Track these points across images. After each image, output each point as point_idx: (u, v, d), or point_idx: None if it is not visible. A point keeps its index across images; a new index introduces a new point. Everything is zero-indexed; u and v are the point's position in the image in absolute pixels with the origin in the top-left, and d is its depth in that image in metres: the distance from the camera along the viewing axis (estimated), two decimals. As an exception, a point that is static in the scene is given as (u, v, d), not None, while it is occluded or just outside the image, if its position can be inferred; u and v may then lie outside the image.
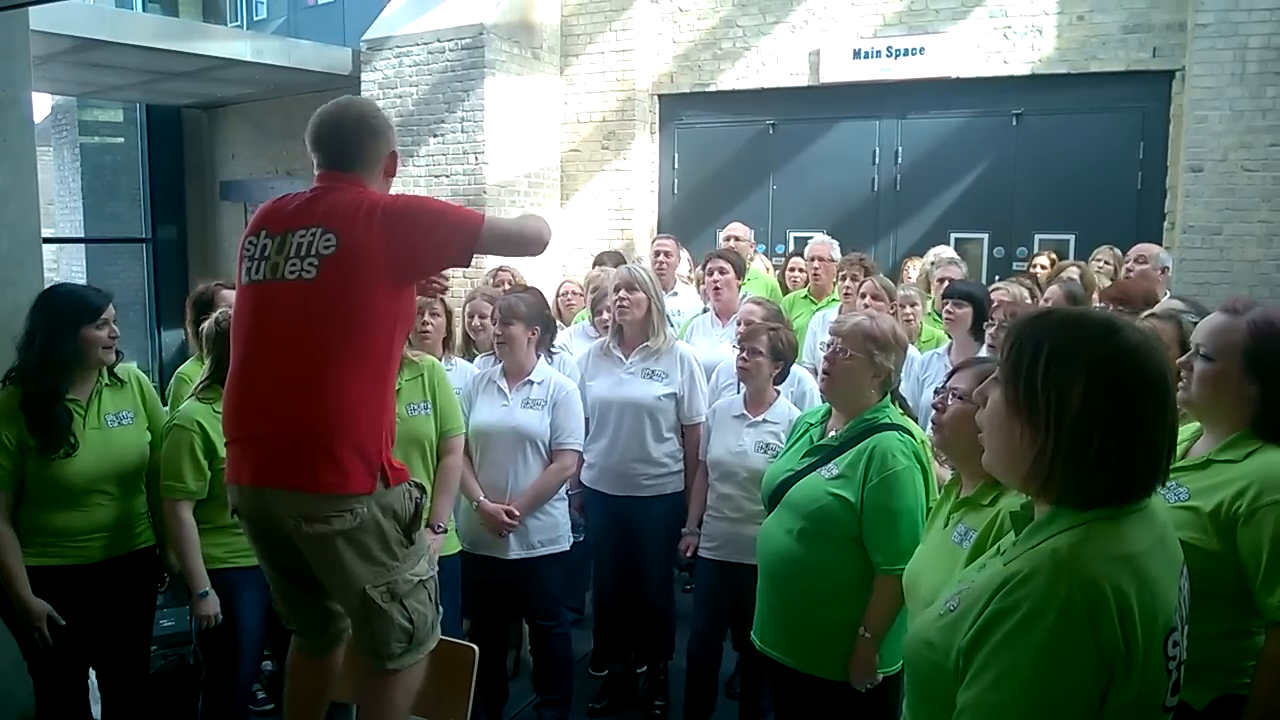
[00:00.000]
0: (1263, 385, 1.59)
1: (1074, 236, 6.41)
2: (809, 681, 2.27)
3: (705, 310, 4.22)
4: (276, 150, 9.19)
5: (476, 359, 3.47)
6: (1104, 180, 6.41)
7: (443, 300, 3.27)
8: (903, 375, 2.67)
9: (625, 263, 4.20)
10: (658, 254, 4.54)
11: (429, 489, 2.68)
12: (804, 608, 2.27)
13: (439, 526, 2.71)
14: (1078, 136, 6.50)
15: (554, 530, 3.06)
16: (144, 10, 10.18)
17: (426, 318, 3.16)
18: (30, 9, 3.07)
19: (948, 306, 3.57)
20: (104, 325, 2.48)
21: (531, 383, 3.03)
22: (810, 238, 5.30)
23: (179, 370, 3.27)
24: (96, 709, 2.73)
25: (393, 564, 1.85)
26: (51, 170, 10.33)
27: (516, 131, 7.30)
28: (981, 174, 6.82)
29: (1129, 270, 3.98)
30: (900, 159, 7.04)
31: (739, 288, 4.16)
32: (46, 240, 4.90)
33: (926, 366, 3.55)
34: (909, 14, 6.74)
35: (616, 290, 3.24)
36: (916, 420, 2.56)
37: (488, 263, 6.26)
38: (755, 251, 5.62)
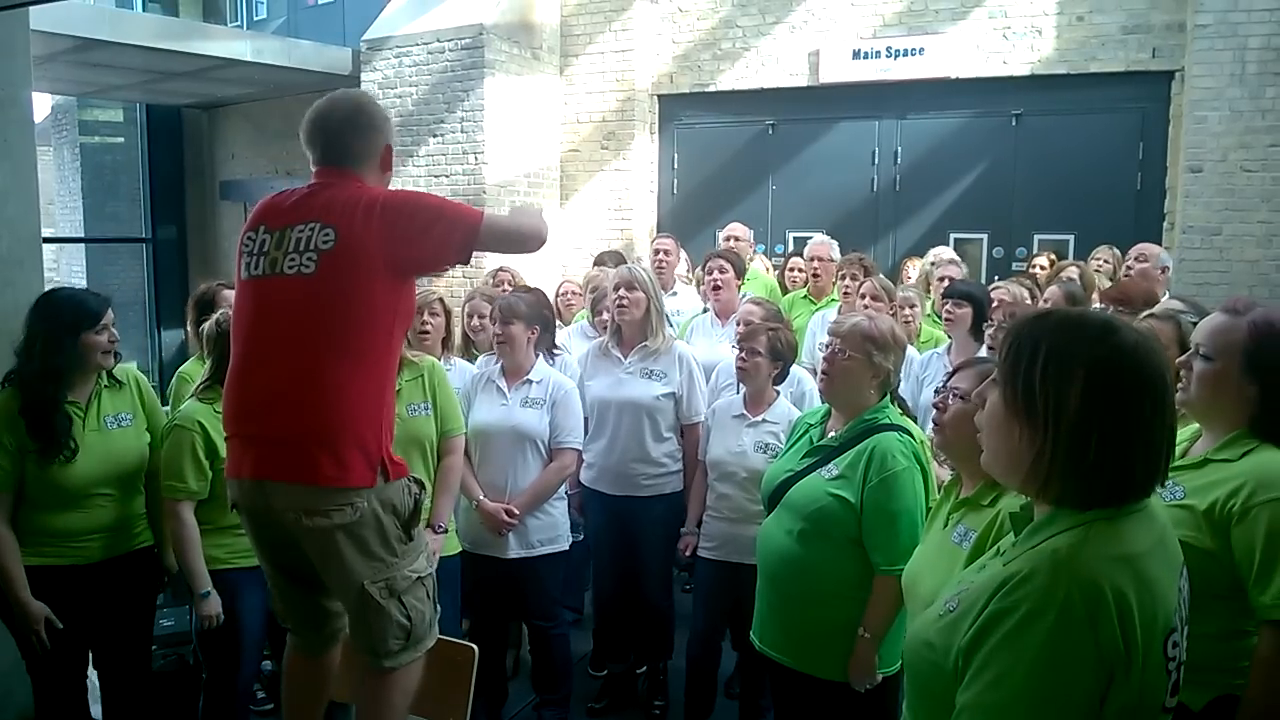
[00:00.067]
0: (1261, 386, 1.59)
1: (1073, 237, 6.41)
2: (808, 682, 2.27)
3: (705, 310, 4.22)
4: (276, 150, 9.19)
5: (479, 359, 3.47)
6: (1103, 181, 6.42)
7: (442, 300, 3.27)
8: (902, 375, 2.67)
9: (625, 263, 4.20)
10: (657, 253, 4.55)
11: (429, 488, 2.69)
12: (803, 608, 2.27)
13: (439, 526, 2.71)
14: (1077, 137, 6.50)
15: (553, 530, 3.06)
16: (144, 10, 10.18)
17: (426, 317, 3.16)
18: (30, 9, 3.07)
19: (948, 306, 3.57)
20: (103, 330, 2.49)
21: (530, 382, 3.03)
22: (810, 238, 5.30)
23: (180, 370, 3.27)
24: (97, 709, 2.73)
25: (391, 560, 1.85)
26: (51, 170, 10.33)
27: (516, 131, 7.30)
28: (981, 174, 6.82)
29: (1129, 269, 3.97)
30: (900, 159, 7.04)
31: (739, 288, 4.16)
32: (46, 240, 4.91)
33: (926, 366, 3.55)
34: (908, 14, 6.75)
35: (616, 289, 3.24)
36: (916, 420, 2.56)
37: (487, 263, 6.26)
38: (755, 252, 5.63)
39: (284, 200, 1.91)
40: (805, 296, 4.79)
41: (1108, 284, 4.32)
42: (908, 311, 3.89)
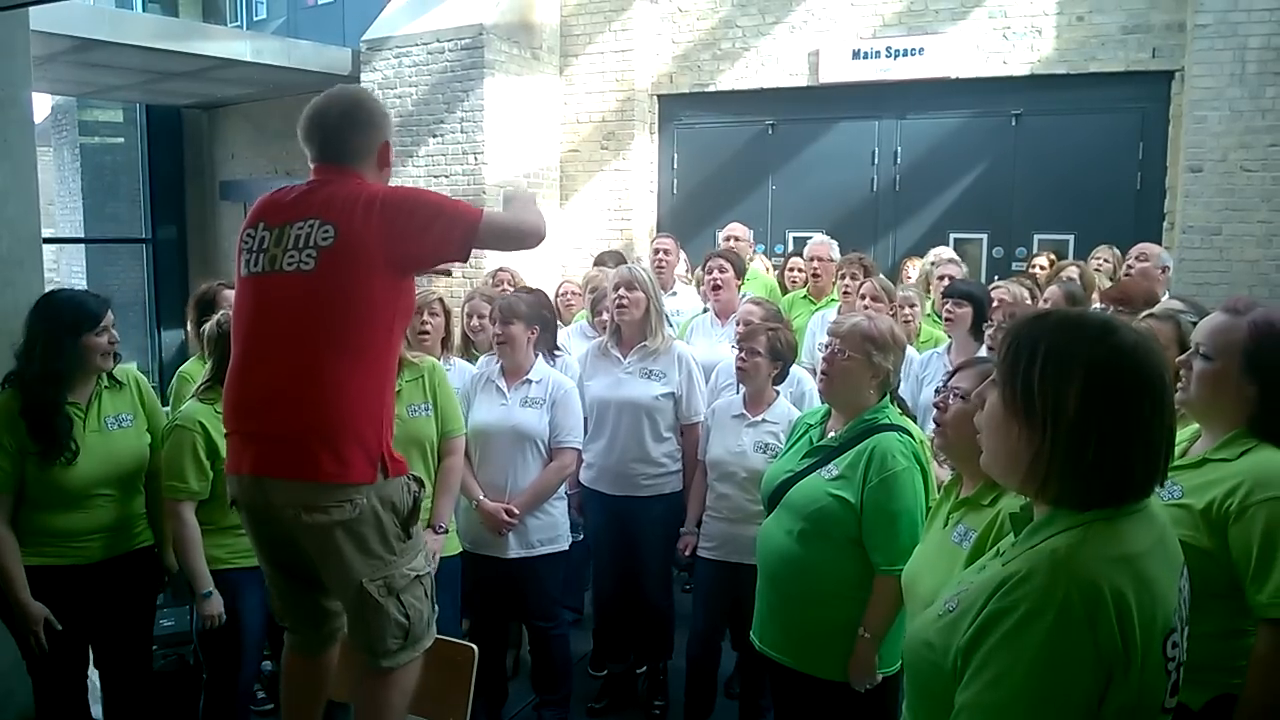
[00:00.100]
0: (1261, 386, 1.59)
1: (1073, 237, 6.41)
2: (808, 682, 2.27)
3: (705, 310, 4.22)
4: (276, 150, 9.20)
5: (480, 359, 3.47)
6: (1103, 180, 6.42)
7: (441, 300, 3.27)
8: (901, 375, 2.67)
9: (626, 263, 4.20)
10: (657, 253, 4.55)
11: (431, 490, 2.69)
12: (804, 608, 2.27)
13: (440, 527, 2.71)
14: (1077, 137, 6.50)
15: (553, 529, 3.06)
16: (144, 10, 10.19)
17: (425, 317, 3.16)
18: (30, 9, 3.06)
19: (948, 306, 3.57)
20: (104, 332, 2.49)
21: (530, 381, 3.03)
22: (809, 238, 5.30)
23: (181, 369, 3.28)
24: (97, 709, 2.73)
25: (390, 558, 1.85)
26: (51, 170, 10.34)
27: (516, 132, 7.30)
28: (981, 174, 6.82)
29: (1129, 269, 3.97)
30: (899, 159, 7.04)
31: (739, 288, 4.16)
32: (46, 240, 4.91)
33: (926, 365, 3.55)
34: (908, 14, 6.75)
35: (616, 289, 3.24)
36: (915, 420, 2.56)
37: (487, 263, 6.27)
38: (754, 252, 5.63)
39: (283, 197, 1.90)
40: (805, 296, 4.79)
41: (1108, 284, 4.31)
42: (908, 311, 3.89)
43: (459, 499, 2.90)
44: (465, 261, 1.93)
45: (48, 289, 2.79)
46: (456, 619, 2.93)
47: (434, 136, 7.29)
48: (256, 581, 2.33)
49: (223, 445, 2.08)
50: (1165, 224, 6.25)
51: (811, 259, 4.77)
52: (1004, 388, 1.10)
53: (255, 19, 12.60)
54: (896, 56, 6.77)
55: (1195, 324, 1.82)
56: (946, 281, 4.05)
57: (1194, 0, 5.83)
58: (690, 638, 3.07)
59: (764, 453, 2.83)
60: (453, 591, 2.83)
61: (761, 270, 5.23)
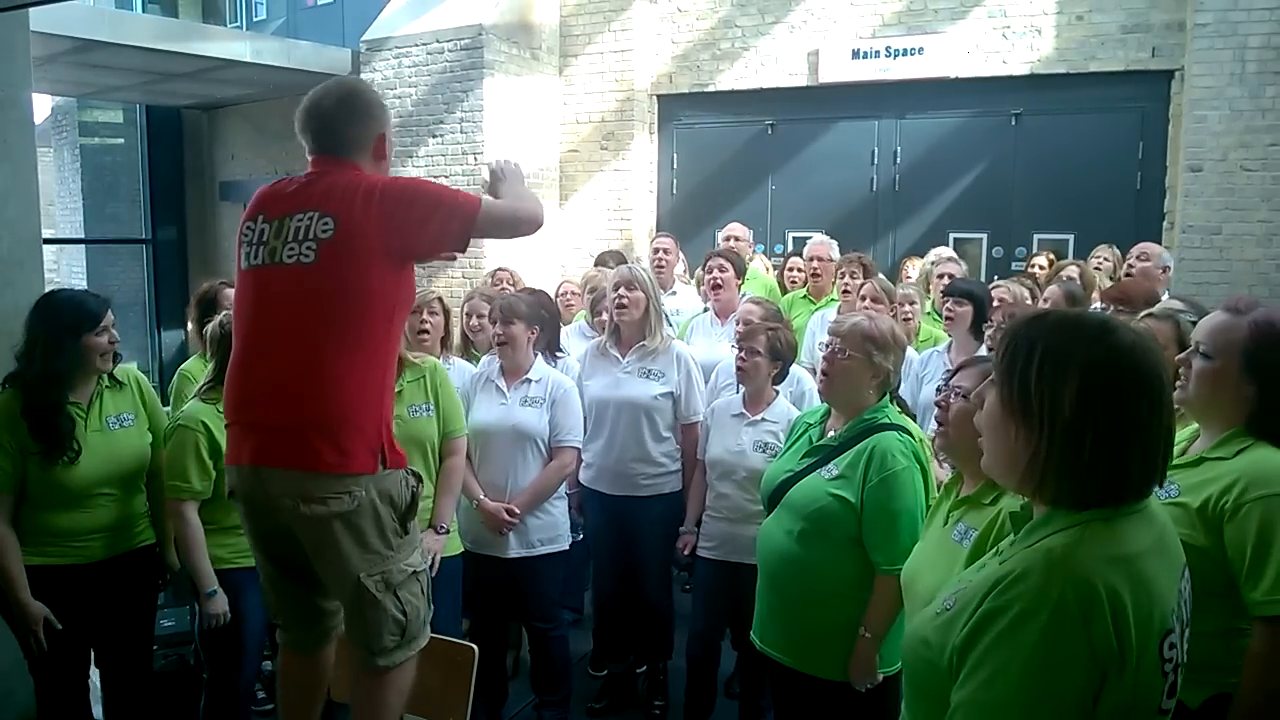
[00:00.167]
0: (1260, 385, 1.59)
1: (1073, 236, 6.41)
2: (809, 682, 2.27)
3: (705, 310, 4.22)
4: (276, 151, 9.19)
5: (482, 359, 3.47)
6: (1103, 180, 6.42)
7: (441, 300, 3.27)
8: (901, 374, 2.67)
9: (626, 263, 4.20)
10: (656, 252, 4.55)
11: (432, 491, 2.70)
12: (804, 608, 2.27)
13: (441, 527, 2.71)
14: (1077, 136, 6.50)
15: (553, 529, 3.07)
16: (144, 11, 10.20)
17: (425, 316, 3.16)
18: (30, 10, 3.07)
19: (948, 304, 3.57)
20: (104, 332, 2.49)
21: (529, 381, 3.03)
22: (809, 238, 5.30)
23: (182, 367, 3.28)
24: (97, 709, 2.73)
25: (387, 553, 1.85)
26: (51, 171, 10.34)
27: (515, 132, 7.30)
28: (980, 174, 6.82)
29: (1130, 269, 3.98)
30: (899, 159, 7.04)
31: (739, 287, 4.16)
32: (47, 241, 4.91)
33: (926, 364, 3.55)
34: (908, 14, 6.75)
35: (615, 289, 3.24)
36: (915, 419, 2.56)
37: (487, 263, 6.28)
38: (754, 251, 5.63)
39: (283, 189, 1.91)
40: (805, 296, 4.79)
41: (1108, 283, 4.32)
42: (907, 308, 3.89)
43: (460, 498, 2.91)
44: (464, 251, 1.92)
45: (48, 289, 2.80)
46: (457, 619, 2.93)
47: (434, 137, 7.29)
48: (258, 581, 2.34)
49: (225, 445, 2.09)
50: (1165, 223, 6.25)
51: (811, 259, 4.77)
52: (1001, 387, 1.10)
53: (255, 20, 12.61)
54: (896, 56, 6.77)
55: (1194, 323, 1.82)
56: (946, 280, 4.06)
57: (1193, 0, 5.83)
58: (690, 637, 3.07)
59: (763, 452, 2.83)
60: (454, 591, 2.83)
61: (761, 270, 5.24)
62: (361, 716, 1.95)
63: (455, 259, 2.22)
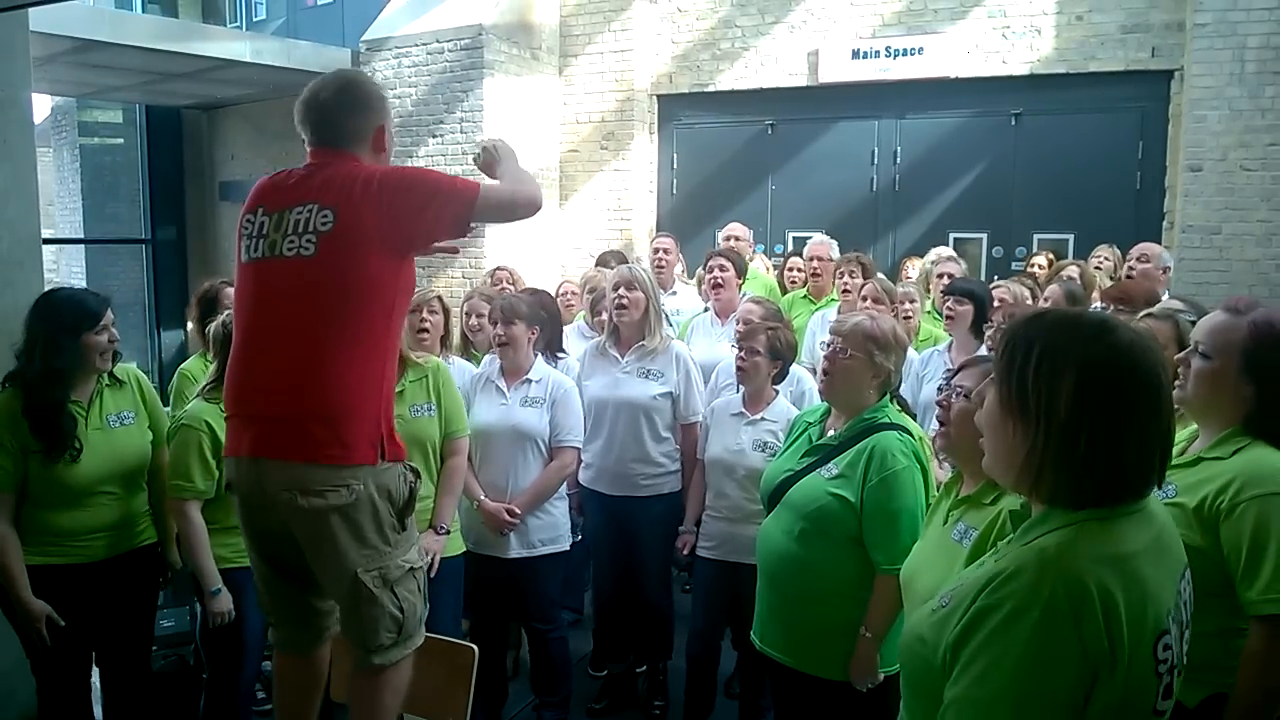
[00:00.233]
0: (1259, 385, 1.59)
1: (1073, 236, 6.41)
2: (809, 681, 2.27)
3: (705, 309, 4.22)
4: (276, 151, 9.19)
5: (483, 359, 3.47)
6: (1103, 180, 6.42)
7: (441, 299, 3.27)
8: (902, 374, 2.67)
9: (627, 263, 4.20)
10: (656, 252, 4.55)
11: (433, 491, 2.69)
12: (804, 608, 2.27)
13: (441, 527, 2.70)
14: (1077, 136, 6.50)
15: (554, 529, 3.06)
16: (143, 11, 10.20)
17: (425, 315, 3.16)
18: (30, 10, 3.07)
19: (949, 304, 3.57)
20: (104, 330, 2.49)
21: (530, 381, 3.03)
22: (809, 237, 5.30)
23: (182, 367, 3.28)
24: (97, 709, 2.73)
25: (385, 548, 1.85)
26: (51, 171, 10.34)
27: (515, 132, 7.29)
28: (980, 174, 6.82)
29: (1130, 270, 3.98)
30: (899, 159, 7.04)
31: (739, 287, 4.16)
32: (46, 241, 4.91)
33: (926, 363, 3.55)
34: (908, 14, 6.75)
35: (615, 289, 3.24)
36: (915, 418, 2.56)
37: (486, 262, 6.28)
38: (754, 251, 5.63)
39: (282, 181, 1.90)
40: (805, 296, 4.79)
41: (1108, 283, 4.32)
42: (908, 306, 3.89)
43: (461, 499, 2.90)
44: (464, 237, 1.92)
45: (47, 289, 2.80)
46: (459, 619, 2.93)
47: (433, 137, 7.29)
48: (257, 580, 2.34)
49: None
50: (1165, 223, 6.25)
51: (811, 259, 4.77)
52: (1000, 386, 1.11)
53: (255, 20, 12.62)
54: (896, 56, 6.77)
55: (1194, 323, 1.82)
56: (946, 280, 4.06)
57: (1193, 0, 5.83)
58: (690, 637, 3.07)
59: (763, 451, 2.83)
60: (455, 591, 2.83)
61: (761, 270, 5.24)
62: (359, 717, 1.94)
63: (457, 252, 2.22)
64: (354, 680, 1.94)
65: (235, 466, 1.88)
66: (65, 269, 10.68)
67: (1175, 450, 1.64)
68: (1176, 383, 1.64)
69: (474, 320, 3.66)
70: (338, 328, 1.79)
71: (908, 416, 2.41)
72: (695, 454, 3.15)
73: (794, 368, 3.12)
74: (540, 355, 3.18)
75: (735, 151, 7.58)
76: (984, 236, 6.85)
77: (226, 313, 2.69)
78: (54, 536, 2.45)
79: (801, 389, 3.20)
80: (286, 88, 8.34)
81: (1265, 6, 5.67)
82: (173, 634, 3.12)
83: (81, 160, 10.03)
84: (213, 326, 2.67)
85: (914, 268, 5.30)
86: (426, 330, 3.17)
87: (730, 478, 2.91)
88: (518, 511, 2.94)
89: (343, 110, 1.91)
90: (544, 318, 3.28)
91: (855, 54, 6.89)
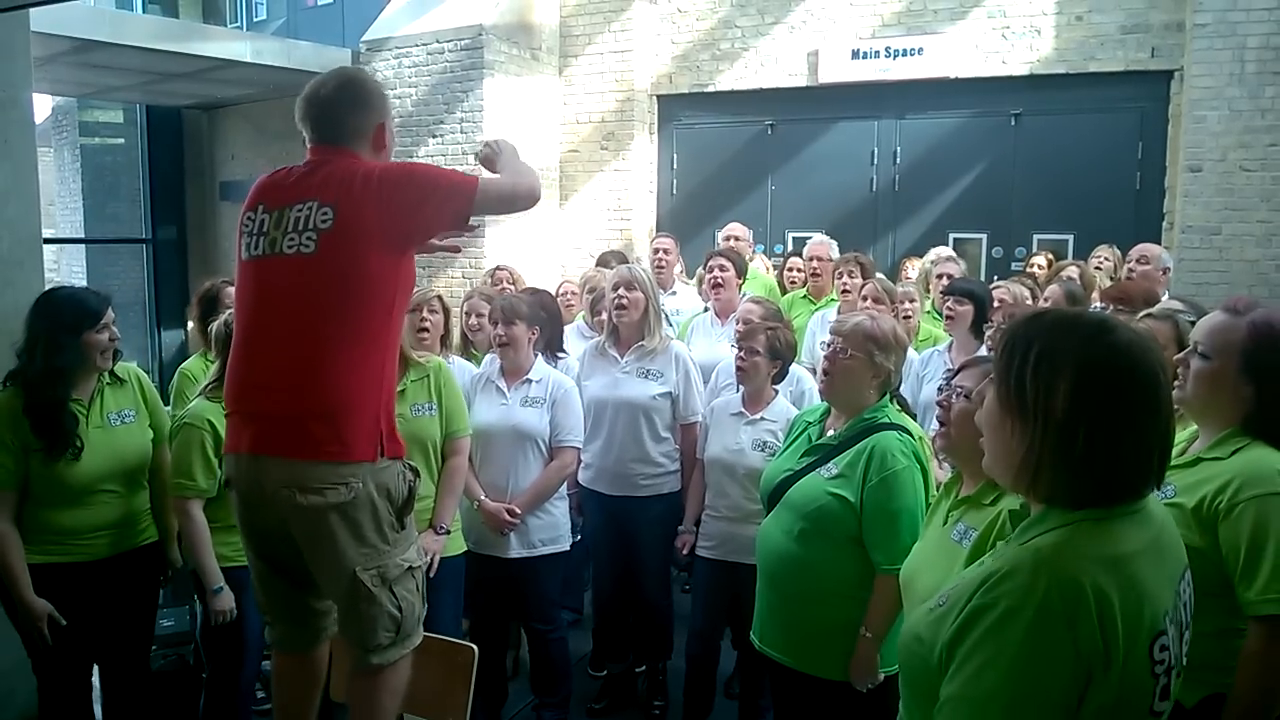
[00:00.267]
0: (1258, 386, 1.60)
1: (1073, 236, 6.41)
2: (809, 681, 2.27)
3: (705, 309, 4.23)
4: (276, 151, 9.19)
5: (484, 359, 3.47)
6: (1103, 180, 6.42)
7: (441, 298, 3.28)
8: (902, 374, 2.67)
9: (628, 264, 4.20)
10: (656, 252, 4.55)
11: (434, 490, 2.69)
12: (804, 608, 2.27)
13: (441, 528, 2.70)
14: (1076, 137, 6.50)
15: (554, 529, 3.07)
16: (144, 11, 10.20)
17: (425, 314, 3.16)
18: (31, 10, 3.07)
19: (949, 304, 3.57)
20: (104, 329, 2.50)
21: (530, 381, 3.03)
22: (809, 238, 5.30)
23: (182, 367, 3.29)
24: (97, 708, 2.73)
25: (384, 547, 1.85)
26: (52, 171, 10.34)
27: (515, 132, 7.29)
28: (980, 174, 6.82)
29: (1130, 271, 3.99)
30: (899, 159, 7.04)
31: (739, 287, 4.16)
32: (47, 241, 4.92)
33: (926, 363, 3.56)
34: (907, 14, 6.75)
35: (615, 289, 3.24)
36: (915, 418, 2.56)
37: (486, 262, 6.28)
38: (754, 251, 5.63)
39: (282, 179, 1.90)
40: (804, 296, 4.79)
41: (1108, 283, 4.32)
42: (907, 306, 3.89)
43: (461, 498, 2.90)
44: (465, 233, 1.92)
45: (47, 288, 2.80)
46: (459, 619, 2.93)
47: (434, 137, 7.29)
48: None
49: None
50: (1165, 224, 6.25)
51: (811, 259, 4.77)
52: (999, 385, 1.11)
53: (255, 20, 12.62)
54: (896, 56, 6.77)
55: (1193, 323, 1.82)
56: (945, 280, 4.06)
57: (1193, 0, 5.83)
58: (689, 637, 3.08)
59: (762, 451, 2.83)
60: (456, 591, 2.83)
61: (761, 270, 5.24)
62: (358, 717, 1.94)
63: (459, 251, 2.22)
64: (352, 680, 1.94)
65: (234, 463, 1.88)
66: (66, 269, 10.68)
67: (1175, 450, 1.64)
68: (1176, 383, 1.65)
69: (473, 320, 3.66)
70: (338, 325, 1.80)
71: (908, 416, 2.42)
72: (695, 454, 3.15)
73: (794, 367, 3.13)
74: (540, 355, 3.18)
75: (735, 152, 7.58)
76: (984, 237, 6.85)
77: (229, 312, 2.69)
78: (55, 535, 2.46)
79: (801, 389, 3.20)
80: (287, 88, 8.35)
81: (1265, 7, 5.67)
82: (172, 633, 3.12)
83: (82, 160, 10.03)
84: (215, 325, 2.68)
85: (914, 268, 5.30)
86: (426, 330, 3.17)
87: (730, 477, 2.91)
88: (518, 511, 2.94)
89: (343, 107, 1.91)
90: (544, 318, 3.28)
91: (855, 54, 6.89)
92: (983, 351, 3.24)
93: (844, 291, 4.21)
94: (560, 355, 3.46)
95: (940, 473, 2.33)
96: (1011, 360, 1.08)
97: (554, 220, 7.75)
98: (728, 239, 5.03)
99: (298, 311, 1.81)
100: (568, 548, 3.15)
